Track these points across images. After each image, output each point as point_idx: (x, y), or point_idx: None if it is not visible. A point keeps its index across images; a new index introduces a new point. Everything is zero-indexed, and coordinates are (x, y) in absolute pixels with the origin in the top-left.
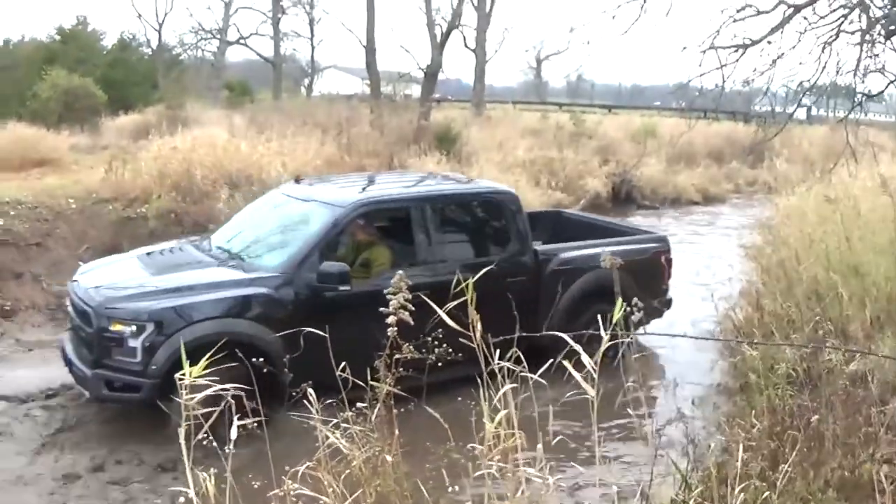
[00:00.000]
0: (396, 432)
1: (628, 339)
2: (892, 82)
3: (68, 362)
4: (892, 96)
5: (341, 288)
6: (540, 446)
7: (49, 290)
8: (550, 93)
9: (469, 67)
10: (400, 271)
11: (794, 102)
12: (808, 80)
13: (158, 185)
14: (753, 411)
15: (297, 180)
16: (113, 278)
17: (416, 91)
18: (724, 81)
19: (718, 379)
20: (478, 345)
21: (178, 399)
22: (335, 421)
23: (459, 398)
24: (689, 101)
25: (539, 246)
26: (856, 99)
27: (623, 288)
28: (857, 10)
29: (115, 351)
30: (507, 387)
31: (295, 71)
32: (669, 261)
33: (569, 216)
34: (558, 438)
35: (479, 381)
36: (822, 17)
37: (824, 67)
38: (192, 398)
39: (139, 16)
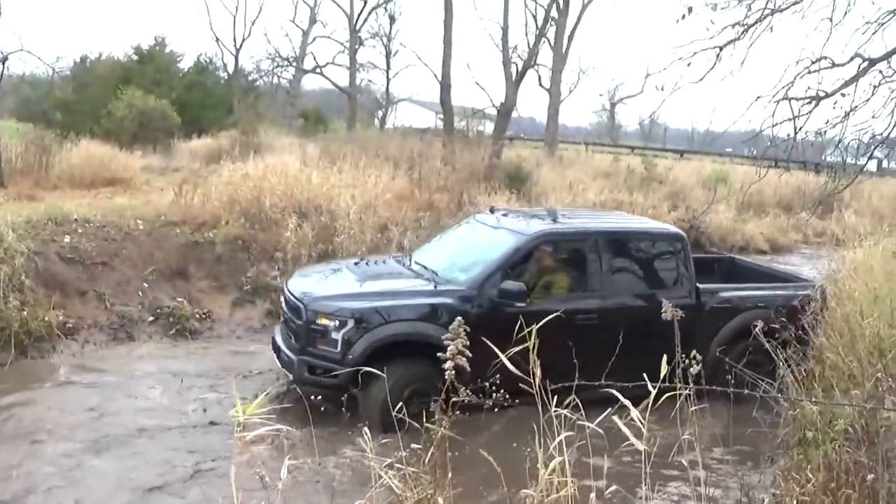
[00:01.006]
0: (450, 475)
1: (686, 392)
2: None
3: (277, 349)
4: None
5: (518, 304)
6: (593, 496)
7: (112, 309)
8: (623, 135)
9: (543, 106)
10: (457, 323)
11: (865, 155)
12: (881, 134)
13: (228, 211)
14: (809, 466)
15: (492, 210)
16: (323, 281)
17: (489, 128)
18: (796, 132)
19: (776, 431)
20: (537, 391)
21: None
22: (389, 461)
23: (515, 444)
24: (761, 150)
25: (701, 284)
26: None
27: (779, 330)
28: None
29: (320, 341)
30: (563, 435)
31: (369, 102)
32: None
33: (741, 262)
34: (613, 488)
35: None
36: None
37: None
38: (245, 437)
39: (217, 39)
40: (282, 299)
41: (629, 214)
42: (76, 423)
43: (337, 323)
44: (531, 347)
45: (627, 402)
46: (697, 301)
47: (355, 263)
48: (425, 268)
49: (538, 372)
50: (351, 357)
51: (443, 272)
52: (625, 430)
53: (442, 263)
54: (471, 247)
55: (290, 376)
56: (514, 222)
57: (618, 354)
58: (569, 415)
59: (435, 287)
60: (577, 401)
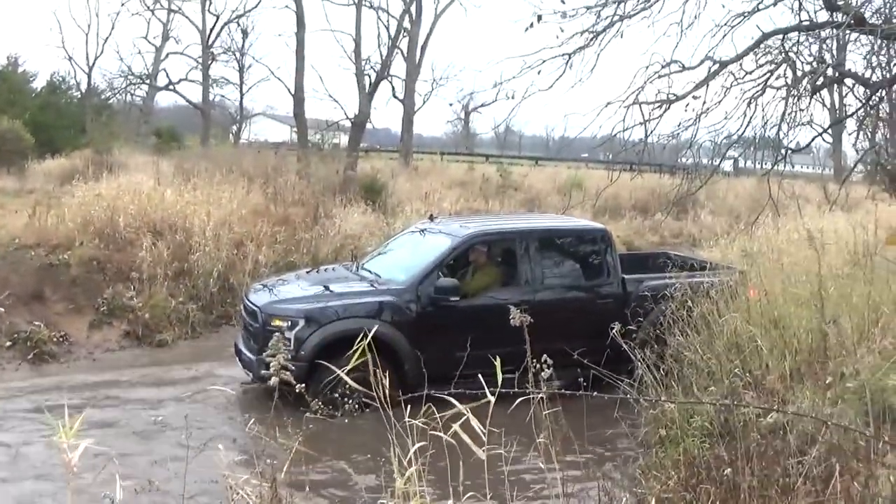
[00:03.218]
0: (307, 489)
1: (540, 395)
2: (818, 135)
3: (238, 352)
4: (820, 149)
5: (452, 299)
6: (450, 502)
7: None
8: (479, 143)
9: (398, 117)
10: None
11: (719, 155)
12: (734, 134)
13: (82, 232)
14: (670, 463)
15: (431, 218)
16: (276, 288)
17: (344, 140)
18: (647, 135)
19: (638, 431)
20: (379, 399)
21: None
22: (245, 477)
23: (368, 455)
24: (615, 154)
25: (626, 275)
26: (781, 152)
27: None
28: (783, 66)
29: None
30: (416, 446)
31: (224, 118)
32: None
33: (673, 255)
34: (469, 495)
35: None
36: (748, 73)
37: (750, 121)
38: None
39: (69, 58)
40: (241, 307)
41: (558, 215)
42: None
43: (289, 323)
44: (373, 361)
45: (464, 409)
46: (624, 290)
47: (307, 272)
48: (370, 272)
49: (385, 382)
50: (303, 353)
51: (385, 274)
52: (465, 437)
53: (386, 268)
54: (411, 251)
55: (251, 375)
56: (449, 226)
57: (547, 340)
58: (420, 424)
59: (378, 287)
60: (434, 408)
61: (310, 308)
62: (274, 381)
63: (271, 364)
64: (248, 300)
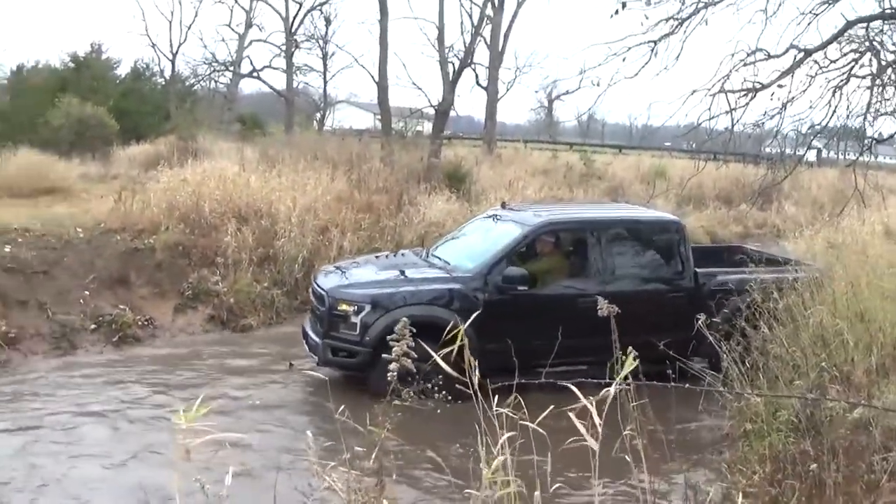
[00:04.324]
0: (394, 476)
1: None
2: None
3: (305, 335)
4: None
5: (520, 288)
6: (537, 494)
7: (54, 318)
8: (561, 131)
9: (481, 105)
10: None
11: (803, 145)
12: (819, 124)
13: (167, 217)
14: (755, 458)
15: (503, 205)
16: (345, 272)
17: (427, 128)
18: (733, 124)
19: (723, 424)
20: (473, 389)
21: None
22: (332, 464)
23: (458, 445)
24: (700, 143)
25: (699, 269)
26: (865, 142)
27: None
28: (868, 55)
29: (341, 326)
30: (507, 435)
31: (307, 105)
32: None
33: (749, 249)
34: (556, 486)
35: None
36: (832, 62)
37: (835, 111)
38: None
39: (153, 45)
40: (310, 290)
41: (630, 205)
42: None
43: (356, 308)
44: (464, 347)
45: (585, 401)
46: (696, 284)
47: (376, 257)
48: (439, 258)
49: (476, 372)
50: (368, 339)
51: (455, 262)
52: (581, 428)
53: (455, 254)
54: (481, 239)
55: (317, 359)
56: (519, 214)
57: (617, 334)
58: (510, 413)
59: (446, 275)
60: (519, 398)
61: (377, 293)
62: (393, 366)
63: (394, 349)
64: (317, 283)
